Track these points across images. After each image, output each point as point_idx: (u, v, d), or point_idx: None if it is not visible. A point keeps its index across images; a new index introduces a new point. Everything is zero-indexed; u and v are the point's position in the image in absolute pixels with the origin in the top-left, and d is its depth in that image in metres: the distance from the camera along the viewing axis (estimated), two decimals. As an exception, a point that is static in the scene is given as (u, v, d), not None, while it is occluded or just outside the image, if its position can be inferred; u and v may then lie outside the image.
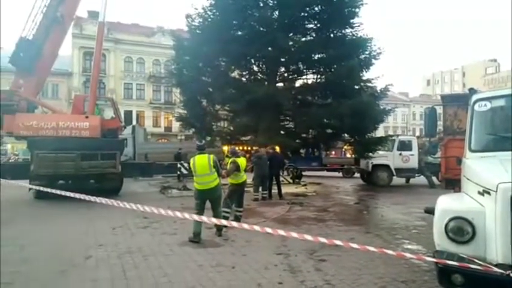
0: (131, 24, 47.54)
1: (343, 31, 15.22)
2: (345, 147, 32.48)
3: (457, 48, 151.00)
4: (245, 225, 4.92)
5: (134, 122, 38.04)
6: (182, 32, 17.12)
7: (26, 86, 12.65)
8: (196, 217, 5.92)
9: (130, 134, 20.11)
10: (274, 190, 12.09)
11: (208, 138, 18.77)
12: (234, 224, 5.04)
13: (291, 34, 15.89)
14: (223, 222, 5.61)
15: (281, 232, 4.54)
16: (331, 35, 15.31)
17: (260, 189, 11.40)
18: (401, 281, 4.52)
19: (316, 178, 19.80)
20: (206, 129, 17.35)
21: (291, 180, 17.13)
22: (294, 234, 4.39)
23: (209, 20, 15.67)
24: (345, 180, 20.50)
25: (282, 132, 16.35)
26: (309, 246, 5.87)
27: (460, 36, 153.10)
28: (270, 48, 14.88)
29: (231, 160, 7.86)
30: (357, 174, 22.49)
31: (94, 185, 11.77)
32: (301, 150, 21.04)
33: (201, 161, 6.59)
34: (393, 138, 17.26)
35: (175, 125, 45.23)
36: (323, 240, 4.23)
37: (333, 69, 15.07)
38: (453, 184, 5.36)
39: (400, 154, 16.69)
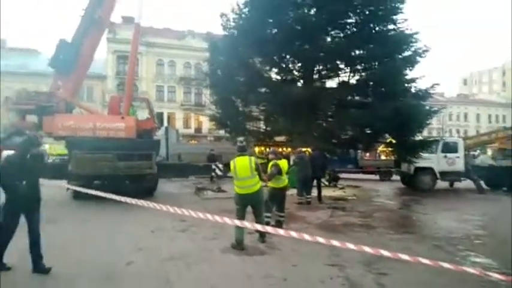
0: (163, 29, 48.22)
1: (385, 27, 14.37)
2: (380, 148, 31.53)
3: (496, 47, 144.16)
4: (293, 233, 4.47)
5: (165, 124, 38.42)
6: (212, 35, 16.90)
7: (64, 87, 12.76)
8: (238, 222, 5.58)
9: (163, 135, 20.10)
10: (313, 193, 11.54)
11: (241, 139, 18.48)
12: (281, 231, 4.63)
13: (329, 29, 15.24)
14: (268, 229, 5.21)
15: (335, 243, 4.10)
16: (373, 31, 14.48)
17: (304, 193, 10.87)
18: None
19: (352, 181, 19.05)
20: (239, 129, 16.99)
21: (327, 183, 16.50)
22: (351, 246, 3.93)
23: (244, 18, 15.32)
24: (383, 184, 19.61)
25: (317, 133, 15.71)
26: (363, 257, 5.33)
27: (499, 35, 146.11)
28: (306, 46, 14.35)
29: (272, 163, 7.42)
30: (394, 177, 21.55)
31: (130, 186, 11.64)
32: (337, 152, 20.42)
33: (242, 163, 6.19)
34: (437, 139, 16.27)
35: (205, 126, 45.61)
36: (386, 253, 3.74)
37: (374, 68, 14.29)
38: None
39: (445, 156, 15.69)
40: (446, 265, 3.41)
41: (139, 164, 11.55)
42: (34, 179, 4.72)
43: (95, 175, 11.30)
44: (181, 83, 45.81)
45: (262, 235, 6.38)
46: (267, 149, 20.17)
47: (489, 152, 23.78)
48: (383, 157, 31.85)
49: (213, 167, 13.78)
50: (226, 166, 14.92)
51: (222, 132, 34.99)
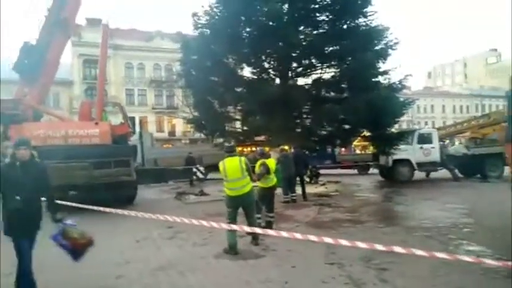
0: (129, 30, 47.00)
1: (356, 21, 14.51)
2: (355, 143, 32.01)
3: (457, 40, 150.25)
4: (283, 233, 4.35)
5: (138, 128, 37.46)
6: (183, 34, 16.50)
7: (30, 94, 12.06)
8: (226, 226, 5.38)
9: (138, 140, 19.50)
10: (297, 191, 11.46)
11: (221, 140, 18.19)
12: (271, 232, 4.51)
13: (302, 28, 15.27)
14: (257, 230, 5.07)
15: (328, 240, 4.01)
16: (345, 26, 14.62)
17: (289, 191, 10.75)
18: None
19: (332, 176, 19.18)
20: (217, 130, 16.73)
21: (308, 180, 16.49)
22: (344, 242, 3.84)
23: (216, 17, 15.07)
24: (362, 177, 19.86)
25: (296, 130, 15.70)
26: (361, 254, 5.26)
27: (460, 28, 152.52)
28: (280, 44, 14.28)
29: (260, 162, 7.25)
30: (371, 171, 21.90)
31: (108, 195, 11.14)
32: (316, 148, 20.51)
33: (232, 164, 5.98)
34: (413, 130, 16.63)
35: (179, 129, 44.90)
36: (380, 247, 3.66)
37: (347, 62, 14.41)
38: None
39: (421, 148, 16.05)
40: (442, 255, 3.36)
41: (116, 171, 11.06)
42: (29, 195, 3.79)
43: (70, 185, 10.73)
44: (152, 86, 44.81)
45: (256, 237, 6.19)
46: (251, 149, 20.04)
47: (456, 141, 24.57)
48: (358, 151, 32.42)
49: (194, 170, 13.41)
50: (208, 168, 14.72)
51: (197, 134, 34.76)
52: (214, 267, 5.20)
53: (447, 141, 21.69)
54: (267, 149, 16.07)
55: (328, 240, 4.06)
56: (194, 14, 15.31)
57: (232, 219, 5.97)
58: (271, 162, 7.43)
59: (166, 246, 6.45)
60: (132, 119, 41.02)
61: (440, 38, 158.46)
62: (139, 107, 44.37)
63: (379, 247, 3.75)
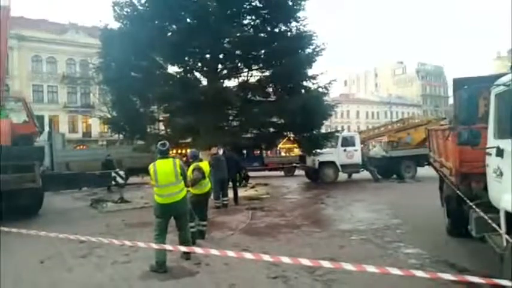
0: (38, 20, 42.34)
1: (287, 25, 14.47)
2: (280, 145, 32.52)
3: (369, 51, 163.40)
4: (214, 251, 4.08)
5: (47, 128, 33.69)
6: (102, 26, 14.91)
7: None
8: (155, 246, 4.73)
9: (46, 141, 17.25)
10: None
11: (141, 143, 16.89)
12: (215, 252, 4.04)
13: (231, 28, 14.78)
14: (198, 250, 4.49)
15: (266, 258, 3.65)
16: (275, 30, 14.49)
17: (221, 195, 10.12)
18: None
19: (260, 179, 19.01)
20: (139, 131, 15.45)
21: (238, 183, 16.04)
22: (286, 260, 3.50)
23: (139, 8, 13.92)
24: (289, 179, 20.05)
25: (225, 132, 15.16)
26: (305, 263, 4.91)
27: (372, 39, 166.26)
28: (207, 44, 13.67)
29: (193, 166, 6.54)
30: (297, 172, 22.31)
31: (7, 204, 9.44)
32: (243, 151, 20.21)
33: (165, 168, 5.21)
34: (337, 135, 17.25)
35: (95, 130, 41.51)
36: (327, 265, 3.37)
37: (277, 65, 14.30)
38: (469, 179, 4.73)
39: (345, 150, 16.68)
40: (397, 272, 3.10)
41: (17, 177, 9.41)
42: None
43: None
44: (64, 82, 40.76)
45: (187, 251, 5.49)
46: (177, 152, 18.95)
47: (371, 145, 26.09)
48: (283, 154, 33.04)
49: (113, 174, 12.07)
50: (128, 172, 13.43)
51: (116, 135, 32.30)
52: (140, 290, 4.40)
53: (371, 144, 22.97)
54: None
55: (266, 258, 3.71)
56: (116, 4, 13.95)
57: (162, 231, 5.20)
58: (206, 166, 6.78)
59: (79, 267, 5.41)
60: (41, 118, 37.12)
61: (355, 48, 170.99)
62: (49, 104, 40.04)
63: (326, 264, 3.43)
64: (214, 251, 4.13)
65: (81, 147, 37.09)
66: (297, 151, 29.18)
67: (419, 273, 2.94)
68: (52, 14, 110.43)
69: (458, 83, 4.85)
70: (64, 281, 4.80)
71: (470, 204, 4.33)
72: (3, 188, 9.28)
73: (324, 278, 4.46)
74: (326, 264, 3.43)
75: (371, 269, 3.08)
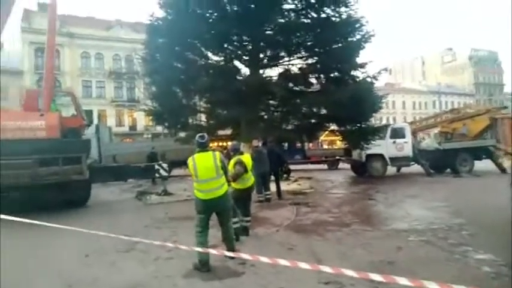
0: (86, 17, 44.12)
1: (334, 10, 13.65)
2: (322, 137, 31.69)
3: (415, 38, 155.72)
4: (263, 258, 3.72)
5: (95, 122, 35.12)
6: (140, 25, 14.96)
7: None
8: (200, 249, 4.49)
9: (94, 134, 17.80)
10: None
11: (182, 135, 16.92)
12: (264, 259, 3.73)
13: (270, 15, 14.24)
14: (245, 256, 4.16)
15: (326, 269, 3.25)
16: (321, 15, 13.73)
17: (263, 189, 9.79)
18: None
19: (302, 172, 18.51)
20: (181, 123, 15.44)
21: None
22: (350, 273, 3.06)
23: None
24: (333, 173, 19.36)
25: (266, 123, 14.74)
26: (358, 265, 4.45)
27: (419, 26, 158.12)
28: (245, 37, 13.30)
29: (235, 159, 6.21)
30: (341, 166, 21.52)
31: (56, 196, 9.73)
32: (284, 144, 19.77)
33: (205, 162, 4.92)
34: (387, 125, 16.31)
35: (141, 123, 42.77)
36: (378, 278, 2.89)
37: (323, 52, 13.58)
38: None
39: (394, 142, 15.70)
40: None
41: (66, 169, 9.65)
42: None
43: (10, 186, 9.21)
44: (111, 77, 42.30)
45: (231, 248, 5.20)
46: (217, 145, 18.91)
47: (419, 137, 24.68)
48: (325, 146, 32.19)
49: (156, 167, 12.14)
50: (171, 165, 13.49)
51: (160, 128, 32.99)
52: (183, 291, 4.15)
53: (422, 136, 21.73)
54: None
55: (326, 269, 3.36)
56: None
57: (204, 228, 4.94)
58: (248, 159, 6.42)
59: (122, 262, 5.30)
60: (90, 112, 38.82)
61: (399, 35, 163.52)
62: (97, 99, 41.77)
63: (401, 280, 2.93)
64: (263, 259, 3.79)
65: (127, 140, 38.38)
66: (340, 143, 28.30)
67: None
68: (98, 11, 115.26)
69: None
70: (107, 277, 4.67)
71: None
72: (53, 179, 9.57)
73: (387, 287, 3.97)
74: (376, 277, 2.96)
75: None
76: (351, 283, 4.09)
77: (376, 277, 3.02)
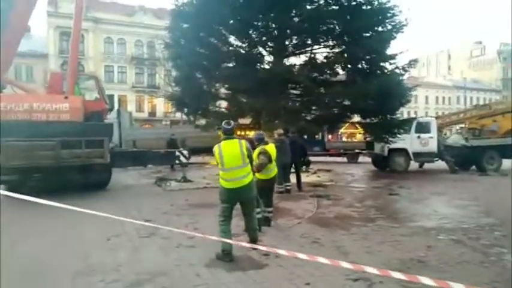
0: (110, 2, 44.35)
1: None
2: (342, 130, 31.13)
3: (442, 31, 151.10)
4: (281, 251, 3.81)
5: (116, 106, 35.53)
6: (163, 12, 14.80)
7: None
8: (228, 240, 4.51)
9: (115, 119, 17.95)
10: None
11: (202, 121, 16.85)
12: (282, 252, 3.69)
13: (297, 1, 13.85)
14: (264, 249, 4.03)
15: (346, 265, 3.11)
16: (350, 3, 13.22)
17: (283, 180, 9.64)
18: None
19: (320, 164, 18.25)
20: (201, 109, 15.35)
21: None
22: (372, 270, 2.88)
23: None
24: (353, 166, 19.05)
25: (287, 112, 14.45)
26: (388, 263, 4.27)
27: (445, 19, 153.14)
28: (272, 17, 12.93)
29: (259, 149, 6.06)
30: (361, 159, 21.15)
31: (77, 178, 9.82)
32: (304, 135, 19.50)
33: (231, 150, 4.79)
34: (412, 119, 15.84)
35: (160, 110, 43.09)
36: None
37: (351, 41, 13.14)
38: None
39: (419, 137, 15.24)
40: None
41: (88, 152, 9.71)
42: None
43: (33, 167, 9.34)
44: (132, 63, 42.62)
45: (254, 239, 5.09)
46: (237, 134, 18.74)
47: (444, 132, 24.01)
48: (344, 139, 31.69)
49: (177, 153, 12.12)
50: (192, 152, 13.45)
51: (179, 115, 33.09)
52: (207, 281, 4.03)
53: (448, 131, 21.11)
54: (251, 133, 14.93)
55: (346, 265, 3.25)
56: None
57: (227, 217, 4.83)
58: (272, 149, 6.27)
59: (144, 248, 5.25)
60: (111, 97, 39.28)
61: (425, 27, 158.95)
62: (118, 84, 42.24)
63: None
64: (281, 251, 3.79)
65: (147, 126, 38.77)
66: (359, 136, 27.77)
67: None
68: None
69: None
70: (129, 263, 4.62)
71: None
72: (75, 162, 9.66)
73: (416, 286, 3.77)
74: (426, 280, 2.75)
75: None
76: (380, 280, 3.90)
77: (398, 275, 2.89)
